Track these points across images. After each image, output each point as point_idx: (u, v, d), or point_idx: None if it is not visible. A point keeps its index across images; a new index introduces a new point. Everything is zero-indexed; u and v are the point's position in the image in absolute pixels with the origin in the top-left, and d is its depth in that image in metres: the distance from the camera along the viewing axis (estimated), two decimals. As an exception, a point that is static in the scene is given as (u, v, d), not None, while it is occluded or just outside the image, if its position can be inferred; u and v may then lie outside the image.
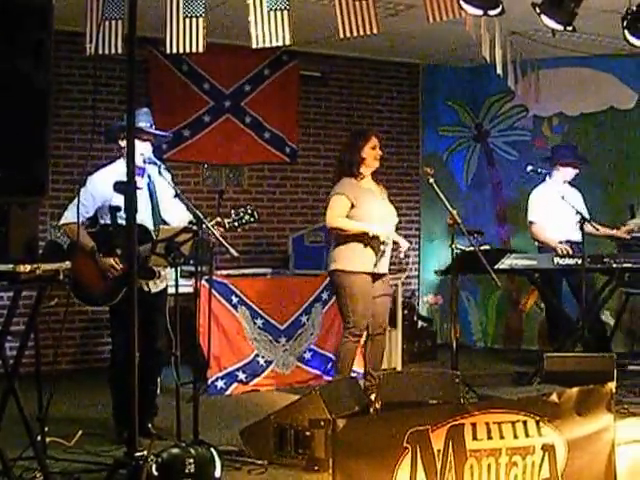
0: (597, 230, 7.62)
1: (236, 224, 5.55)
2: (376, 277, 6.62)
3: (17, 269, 4.07)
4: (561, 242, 7.71)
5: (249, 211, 5.57)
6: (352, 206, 6.56)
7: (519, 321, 9.88)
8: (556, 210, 7.62)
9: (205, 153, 8.96)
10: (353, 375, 6.62)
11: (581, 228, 7.13)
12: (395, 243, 6.70)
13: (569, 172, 7.98)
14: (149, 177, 5.80)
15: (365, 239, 6.50)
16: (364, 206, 6.56)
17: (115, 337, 5.90)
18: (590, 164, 8.38)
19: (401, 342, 8.42)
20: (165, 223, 5.72)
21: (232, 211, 5.58)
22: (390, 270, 6.91)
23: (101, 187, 5.65)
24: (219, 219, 5.48)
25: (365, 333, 6.69)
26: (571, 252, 7.53)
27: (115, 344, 5.90)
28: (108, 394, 5.85)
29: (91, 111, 8.00)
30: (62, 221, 5.71)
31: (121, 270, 5.55)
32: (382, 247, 6.54)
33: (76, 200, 5.38)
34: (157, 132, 5.94)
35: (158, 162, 5.65)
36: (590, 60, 9.31)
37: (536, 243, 8.06)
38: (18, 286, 4.30)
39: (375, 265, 6.55)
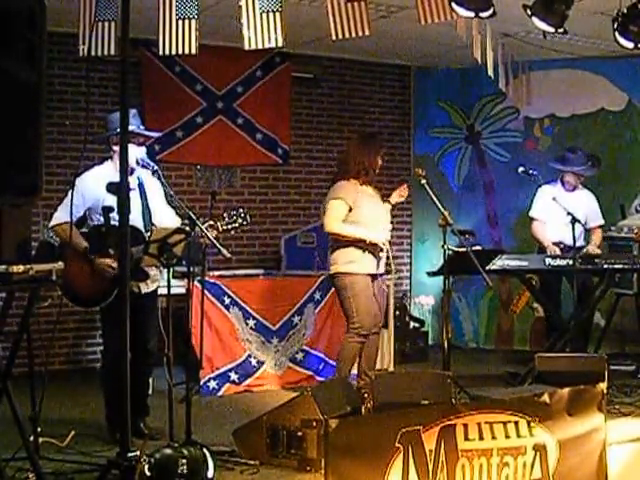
0: (587, 232, 7.72)
1: (229, 227, 5.55)
2: (374, 277, 6.70)
3: (10, 270, 4.08)
4: (555, 243, 7.77)
5: (242, 214, 5.57)
6: (350, 209, 6.62)
7: (511, 322, 9.90)
8: (557, 211, 7.62)
9: (198, 154, 8.97)
10: (347, 376, 6.64)
11: (573, 229, 7.17)
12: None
13: (567, 177, 8.03)
14: (139, 178, 5.80)
15: (364, 244, 6.57)
16: (362, 209, 6.62)
17: (106, 338, 5.91)
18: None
19: (393, 343, 8.43)
20: (154, 225, 5.74)
21: (225, 214, 5.58)
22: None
23: (92, 187, 5.65)
24: (212, 222, 5.48)
25: None
26: (559, 253, 7.58)
27: (106, 345, 5.90)
28: (101, 395, 5.86)
29: (84, 112, 8.00)
30: (53, 222, 5.69)
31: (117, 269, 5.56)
32: (380, 253, 6.61)
33: (66, 200, 5.36)
34: (147, 133, 5.96)
35: (151, 164, 5.65)
36: (581, 62, 9.34)
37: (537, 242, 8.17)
38: (11, 287, 4.31)
39: (376, 267, 6.66)
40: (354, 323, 6.62)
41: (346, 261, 6.62)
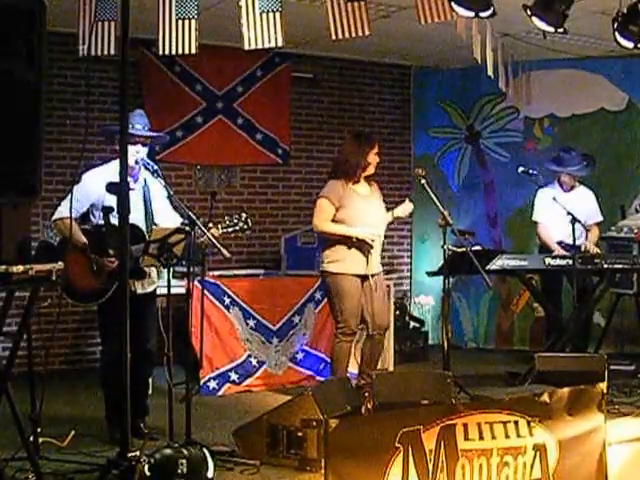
0: (587, 231, 7.71)
1: (229, 230, 5.55)
2: (368, 277, 6.65)
3: (10, 270, 4.08)
4: (560, 243, 7.77)
5: (243, 218, 5.57)
6: (337, 209, 6.62)
7: (510, 321, 9.90)
8: (557, 210, 7.60)
9: (197, 154, 8.97)
10: (347, 376, 6.64)
11: (573, 229, 7.17)
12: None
13: (564, 177, 8.00)
14: (144, 180, 5.80)
15: (351, 242, 6.56)
16: (348, 208, 6.61)
17: (103, 338, 5.90)
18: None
19: (393, 343, 8.42)
20: (156, 225, 5.73)
21: (226, 217, 5.58)
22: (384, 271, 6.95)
23: (95, 186, 5.64)
24: (211, 225, 5.47)
25: (365, 333, 6.77)
26: (562, 253, 7.58)
27: (104, 345, 5.89)
28: (101, 394, 5.86)
29: (84, 112, 8.00)
30: (56, 216, 5.69)
31: (116, 264, 5.54)
32: (369, 249, 6.57)
33: (70, 196, 5.37)
34: (151, 134, 5.94)
35: (151, 163, 5.65)
36: (581, 62, 9.34)
37: (537, 242, 8.19)
38: (11, 287, 4.30)
39: (366, 266, 6.59)
40: (339, 322, 6.64)
41: (331, 260, 6.63)
